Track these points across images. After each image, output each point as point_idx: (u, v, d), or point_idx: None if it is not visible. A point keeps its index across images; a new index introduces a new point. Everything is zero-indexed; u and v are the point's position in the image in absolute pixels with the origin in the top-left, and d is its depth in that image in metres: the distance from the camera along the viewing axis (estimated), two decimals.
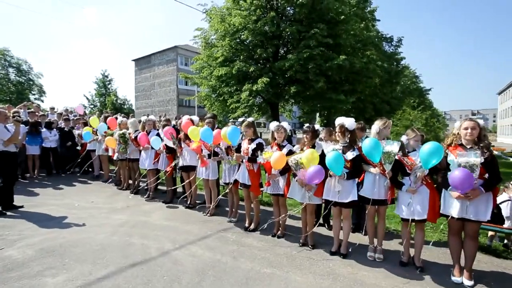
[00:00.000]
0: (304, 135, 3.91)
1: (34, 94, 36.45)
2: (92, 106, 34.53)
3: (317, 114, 17.10)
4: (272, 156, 4.00)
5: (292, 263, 3.57)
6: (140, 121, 7.10)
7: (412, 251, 3.60)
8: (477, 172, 2.85)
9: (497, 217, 3.64)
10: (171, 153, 5.96)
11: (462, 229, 3.16)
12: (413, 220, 3.40)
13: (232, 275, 3.26)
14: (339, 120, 3.80)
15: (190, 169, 5.66)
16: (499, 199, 3.85)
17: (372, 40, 14.06)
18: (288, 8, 12.15)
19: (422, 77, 33.22)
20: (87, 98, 35.52)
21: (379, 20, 15.91)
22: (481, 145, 3.01)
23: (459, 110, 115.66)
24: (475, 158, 2.85)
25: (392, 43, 19.06)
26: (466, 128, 3.00)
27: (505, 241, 4.22)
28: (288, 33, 11.16)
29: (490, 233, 4.25)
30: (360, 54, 12.12)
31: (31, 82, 36.19)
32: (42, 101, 36.25)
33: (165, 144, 5.93)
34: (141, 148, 6.32)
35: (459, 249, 3.24)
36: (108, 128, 7.49)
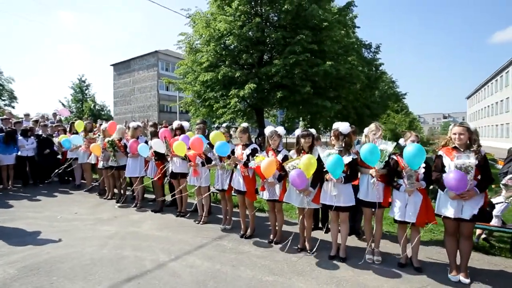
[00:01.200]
0: (303, 140, 3.89)
1: (4, 100, 34.34)
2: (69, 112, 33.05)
3: (301, 119, 17.25)
4: (262, 163, 3.96)
5: (293, 269, 3.52)
6: (129, 128, 6.83)
7: (409, 252, 3.65)
8: (472, 173, 2.95)
9: (488, 214, 3.77)
10: (161, 160, 5.77)
11: (458, 229, 3.24)
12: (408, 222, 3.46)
13: (234, 285, 3.15)
14: (336, 125, 3.83)
15: (180, 175, 5.49)
16: (497, 199, 4.02)
17: (353, 47, 14.46)
18: (273, 15, 12.26)
19: (398, 82, 34.51)
20: (63, 104, 33.99)
21: (359, 27, 16.43)
22: (472, 149, 3.12)
23: (432, 114, 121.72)
24: (471, 160, 2.95)
25: (371, 49, 19.74)
26: (454, 134, 3.13)
27: (483, 235, 4.36)
28: (273, 39, 11.22)
29: (478, 231, 4.40)
30: (343, 60, 12.39)
31: (1, 87, 34.12)
32: (13, 107, 34.23)
33: (154, 151, 5.73)
34: (131, 155, 6.06)
35: (455, 249, 3.32)
36: (90, 132, 7.21)
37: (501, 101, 34.40)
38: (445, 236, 3.37)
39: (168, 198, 6.39)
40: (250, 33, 11.60)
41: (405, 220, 3.43)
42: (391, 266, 3.59)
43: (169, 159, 5.48)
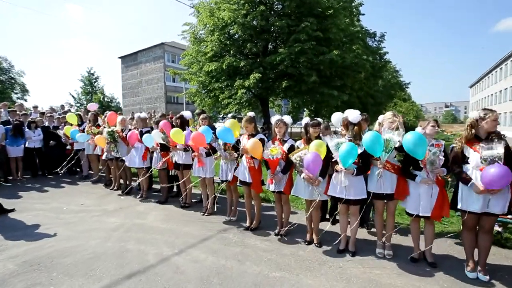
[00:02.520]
0: (312, 129, 3.59)
1: (16, 93, 34.41)
2: (79, 104, 32.96)
3: (305, 109, 16.82)
4: (248, 143, 3.78)
5: (301, 264, 3.27)
6: (132, 119, 6.61)
7: (421, 246, 3.38)
8: (501, 163, 2.62)
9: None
10: (166, 150, 5.51)
11: (478, 223, 2.94)
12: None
13: (239, 282, 2.92)
14: (346, 113, 3.52)
15: (185, 167, 5.25)
16: None
17: (358, 35, 13.88)
18: (277, 2, 11.73)
19: (401, 72, 33.51)
20: (73, 97, 33.90)
21: (363, 15, 15.71)
22: (493, 135, 2.78)
23: (433, 103, 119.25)
24: (499, 150, 2.62)
25: (376, 38, 19.03)
26: (495, 120, 2.75)
27: (497, 228, 4.05)
28: (278, 27, 10.75)
29: None
30: (348, 49, 11.89)
31: (13, 81, 34.11)
32: (25, 100, 34.32)
33: (159, 142, 5.47)
34: (131, 146, 5.85)
35: (473, 244, 3.03)
36: (94, 125, 6.94)
37: (505, 89, 33.30)
38: (464, 231, 3.06)
39: (174, 189, 6.20)
40: (254, 22, 11.17)
41: (419, 214, 3.15)
42: (403, 261, 3.32)
43: (171, 150, 5.23)
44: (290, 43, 10.26)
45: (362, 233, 4.10)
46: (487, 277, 2.92)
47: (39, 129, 7.79)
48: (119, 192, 6.43)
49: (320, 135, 3.74)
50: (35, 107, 10.55)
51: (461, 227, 3.14)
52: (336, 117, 4.05)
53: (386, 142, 3.13)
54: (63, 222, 4.57)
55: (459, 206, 2.92)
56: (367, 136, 3.14)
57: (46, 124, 8.17)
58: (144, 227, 4.41)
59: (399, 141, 3.09)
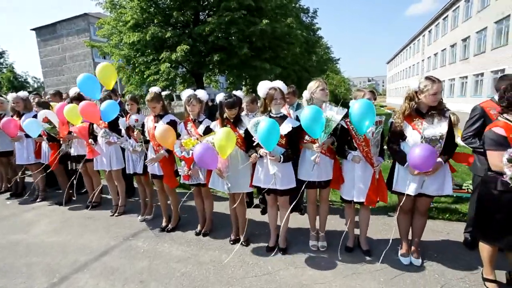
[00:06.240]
0: (229, 111, 2.70)
1: None
2: None
3: (243, 84, 15.81)
4: (156, 129, 2.83)
5: (222, 276, 2.50)
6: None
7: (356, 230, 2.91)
8: (442, 143, 2.12)
9: None
10: (55, 141, 4.07)
11: (413, 205, 2.51)
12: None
13: None
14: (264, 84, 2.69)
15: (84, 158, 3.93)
16: None
17: (292, 8, 13.05)
18: None
19: (333, 48, 34.59)
20: None
21: None
22: (433, 112, 2.23)
23: (358, 77, 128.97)
24: (442, 129, 2.09)
25: (309, 14, 18.58)
26: (435, 94, 2.16)
27: None
28: None
29: None
30: (281, 21, 11.01)
31: None
32: None
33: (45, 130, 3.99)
34: (11, 139, 4.23)
35: (408, 227, 2.63)
36: None
37: (413, 65, 37.00)
38: (399, 214, 2.60)
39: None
40: None
41: (353, 200, 2.60)
42: (337, 252, 2.78)
43: (61, 142, 3.85)
44: (220, 12, 8.92)
45: (294, 218, 3.46)
46: (420, 261, 2.55)
47: None
48: (7, 195, 4.80)
49: (241, 114, 2.88)
50: None
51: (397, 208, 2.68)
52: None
53: (326, 121, 2.40)
54: None
55: (394, 188, 2.44)
56: (306, 113, 2.35)
57: None
58: (21, 246, 3.13)
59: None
